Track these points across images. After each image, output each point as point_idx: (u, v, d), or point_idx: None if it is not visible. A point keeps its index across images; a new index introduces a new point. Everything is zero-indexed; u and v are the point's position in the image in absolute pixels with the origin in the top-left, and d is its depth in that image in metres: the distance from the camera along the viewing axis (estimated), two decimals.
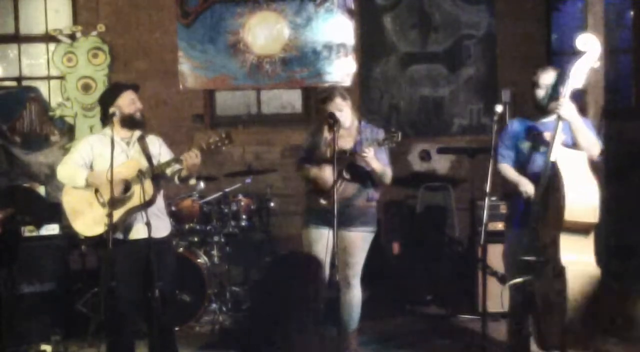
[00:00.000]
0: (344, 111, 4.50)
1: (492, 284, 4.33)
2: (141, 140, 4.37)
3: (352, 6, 7.17)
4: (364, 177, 4.50)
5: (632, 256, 6.14)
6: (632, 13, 7.23)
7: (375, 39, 7.26)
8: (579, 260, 3.86)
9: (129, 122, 4.31)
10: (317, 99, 4.65)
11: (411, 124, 7.31)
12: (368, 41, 7.25)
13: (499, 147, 4.37)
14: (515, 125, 4.38)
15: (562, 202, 3.84)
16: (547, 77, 4.23)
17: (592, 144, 4.12)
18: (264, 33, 7.18)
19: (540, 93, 4.23)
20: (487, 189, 3.95)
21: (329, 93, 4.57)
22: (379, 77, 7.29)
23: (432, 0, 7.22)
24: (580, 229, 3.88)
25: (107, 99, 4.38)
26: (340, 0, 7.15)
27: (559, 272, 3.84)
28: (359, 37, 7.22)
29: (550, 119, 4.25)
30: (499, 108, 4.16)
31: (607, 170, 5.71)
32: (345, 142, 4.51)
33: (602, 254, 5.52)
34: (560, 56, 7.14)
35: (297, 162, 4.74)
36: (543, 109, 4.25)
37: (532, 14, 7.21)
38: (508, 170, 4.29)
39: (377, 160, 4.41)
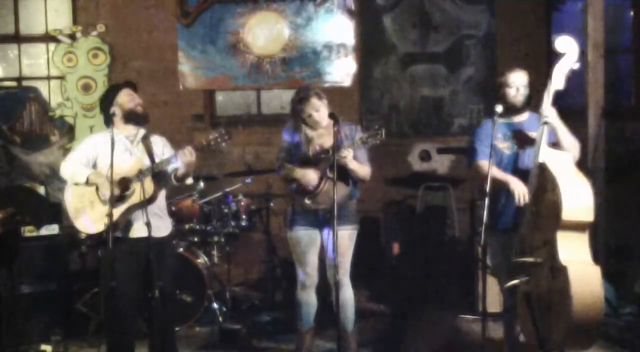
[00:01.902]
0: (321, 111, 4.50)
1: (492, 284, 4.34)
2: (145, 139, 4.38)
3: (352, 6, 7.17)
4: (347, 175, 4.50)
5: (631, 256, 6.14)
6: (632, 13, 7.23)
7: (375, 39, 7.26)
8: (578, 259, 3.86)
9: (131, 117, 4.32)
10: (293, 99, 4.63)
11: (411, 124, 7.31)
12: (368, 41, 7.25)
13: (476, 144, 4.35)
14: (489, 125, 4.35)
15: (558, 203, 3.84)
16: (516, 77, 4.27)
17: (574, 146, 4.16)
18: (264, 33, 7.18)
19: (511, 92, 4.25)
20: (487, 189, 3.95)
21: (306, 93, 4.56)
22: (379, 77, 7.29)
23: (432, 0, 7.23)
24: (577, 228, 3.88)
25: (107, 100, 4.40)
26: (340, 0, 7.15)
27: (559, 273, 3.84)
28: (359, 37, 7.23)
29: (523, 117, 4.29)
30: (499, 108, 4.16)
31: (607, 170, 5.72)
32: (325, 141, 4.50)
33: (602, 254, 5.54)
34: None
35: (277, 163, 4.71)
36: (514, 107, 4.27)
37: (532, 14, 7.22)
38: (491, 168, 4.22)
39: (355, 161, 4.42)
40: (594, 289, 3.81)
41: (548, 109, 4.04)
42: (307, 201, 4.50)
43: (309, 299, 4.65)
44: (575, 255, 3.87)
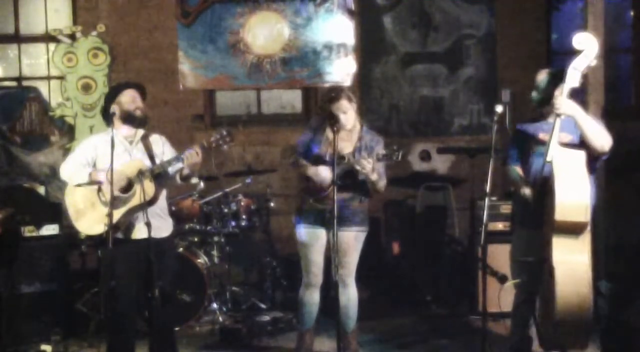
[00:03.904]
0: (349, 114, 4.47)
1: (492, 284, 4.34)
2: (144, 139, 4.38)
3: (352, 6, 7.17)
4: (358, 184, 4.49)
5: (632, 256, 6.14)
6: (632, 13, 7.24)
7: (375, 39, 7.26)
8: (569, 260, 3.87)
9: (128, 119, 4.31)
10: (324, 97, 4.60)
11: (411, 124, 7.31)
12: (368, 41, 7.25)
13: (509, 148, 4.43)
14: (523, 128, 4.40)
15: (553, 202, 3.85)
16: (536, 79, 4.27)
17: (602, 136, 4.08)
18: (264, 33, 7.17)
19: (532, 94, 4.26)
20: (487, 189, 3.95)
21: (337, 93, 4.53)
22: (379, 77, 7.29)
23: (432, 0, 7.23)
24: (571, 228, 3.88)
25: (109, 97, 4.40)
26: (340, 0, 7.14)
27: (551, 272, 3.86)
28: (359, 37, 7.22)
29: (552, 119, 4.26)
30: (499, 108, 4.15)
31: (607, 170, 5.72)
32: (345, 146, 4.49)
33: (602, 254, 5.54)
34: (560, 56, 7.14)
35: (293, 157, 4.70)
36: (536, 109, 4.28)
37: (532, 14, 7.22)
38: (512, 171, 4.33)
39: (375, 173, 4.39)
40: (580, 290, 3.83)
41: (562, 102, 3.97)
42: (312, 202, 4.50)
43: (312, 298, 4.64)
44: (567, 256, 3.87)
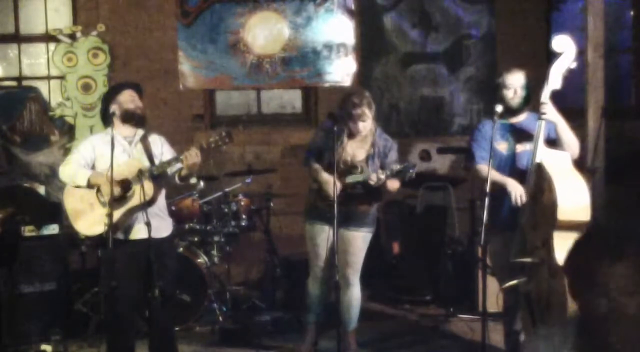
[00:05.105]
0: (367, 122, 4.48)
1: (492, 284, 4.34)
2: (144, 139, 4.37)
3: (352, 6, 7.17)
4: (370, 190, 4.50)
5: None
6: (632, 13, 7.23)
7: (375, 39, 7.26)
8: None
9: (129, 118, 4.30)
10: (346, 101, 4.50)
11: (411, 124, 7.31)
12: (368, 41, 7.25)
13: (474, 148, 4.36)
14: (487, 127, 4.34)
15: (554, 203, 3.85)
16: (513, 78, 4.26)
17: (575, 143, 4.18)
18: (264, 33, 7.18)
19: (509, 94, 4.25)
20: (487, 189, 3.95)
21: (360, 99, 4.47)
22: (379, 77, 7.29)
23: (432, 0, 7.23)
24: (573, 228, 3.88)
25: (108, 97, 4.40)
26: (340, 0, 7.15)
27: (555, 273, 3.85)
28: (359, 37, 7.23)
29: (521, 118, 4.28)
30: (499, 108, 4.16)
31: (607, 170, 5.71)
32: (358, 152, 4.51)
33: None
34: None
35: (305, 158, 4.71)
36: (512, 109, 4.27)
37: (532, 13, 7.23)
38: (490, 171, 4.25)
39: (387, 182, 4.40)
40: None
41: (545, 106, 4.03)
42: (320, 204, 4.51)
43: (316, 289, 4.72)
44: None
